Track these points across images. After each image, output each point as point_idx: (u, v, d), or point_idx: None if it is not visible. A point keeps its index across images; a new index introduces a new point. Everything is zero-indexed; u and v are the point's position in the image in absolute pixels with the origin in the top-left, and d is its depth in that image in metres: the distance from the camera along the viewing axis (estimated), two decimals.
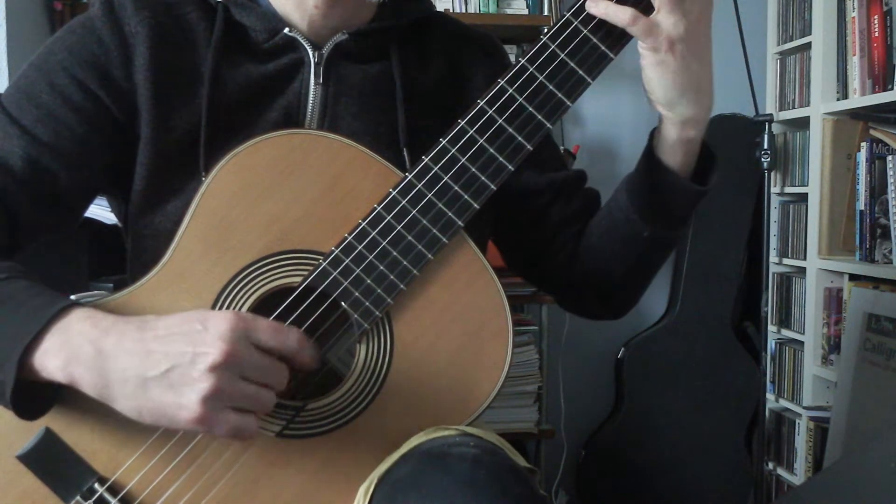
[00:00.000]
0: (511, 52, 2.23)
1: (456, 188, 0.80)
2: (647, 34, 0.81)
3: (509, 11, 2.26)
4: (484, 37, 1.04)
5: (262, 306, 0.79)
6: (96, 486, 0.76)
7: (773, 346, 2.39)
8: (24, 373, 0.71)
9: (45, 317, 0.72)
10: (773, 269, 2.39)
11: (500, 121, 0.81)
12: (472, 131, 0.81)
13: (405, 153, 0.90)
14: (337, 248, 0.79)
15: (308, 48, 0.90)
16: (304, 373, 0.76)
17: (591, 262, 0.98)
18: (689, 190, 0.89)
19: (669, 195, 0.89)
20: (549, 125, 0.82)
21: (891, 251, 2.01)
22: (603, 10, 0.81)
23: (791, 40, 2.37)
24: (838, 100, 2.17)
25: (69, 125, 0.84)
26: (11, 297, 0.74)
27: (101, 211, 1.39)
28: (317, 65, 0.91)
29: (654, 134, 0.91)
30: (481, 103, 0.81)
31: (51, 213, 0.86)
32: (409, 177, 0.80)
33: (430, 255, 0.80)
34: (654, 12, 0.81)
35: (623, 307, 1.02)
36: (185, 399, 0.68)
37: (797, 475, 2.27)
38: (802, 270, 2.28)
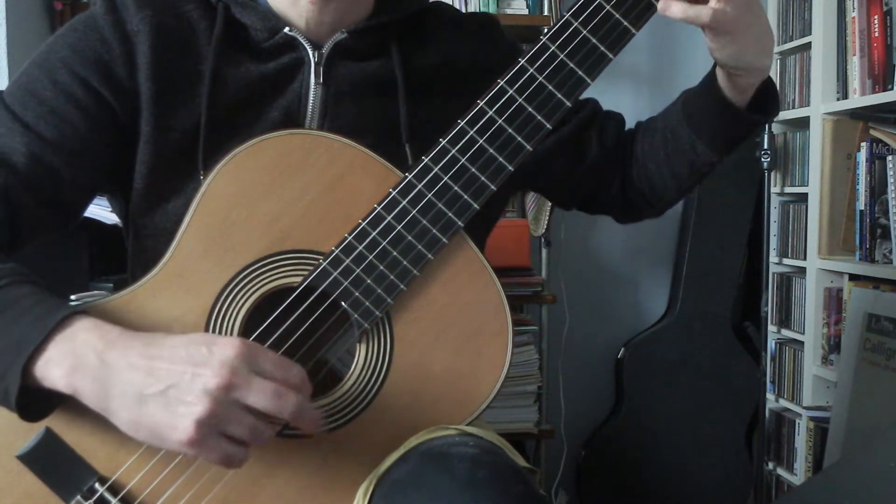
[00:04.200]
0: None
1: (456, 188, 0.80)
2: (721, 25, 0.83)
3: (509, 11, 2.26)
4: (480, 15, 1.05)
5: (263, 306, 0.80)
6: (97, 485, 0.76)
7: (773, 346, 2.39)
8: (28, 379, 0.71)
9: (50, 325, 0.71)
10: (773, 269, 2.39)
11: (500, 121, 0.81)
12: (472, 132, 0.81)
13: (407, 148, 0.90)
14: (337, 248, 0.79)
15: (308, 48, 0.90)
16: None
17: (651, 185, 1.04)
18: (759, 122, 0.95)
19: (739, 128, 0.95)
20: (548, 126, 0.82)
21: (891, 251, 2.01)
22: (681, 12, 0.82)
23: (791, 40, 2.37)
24: (838, 100, 2.17)
25: (72, 122, 0.84)
26: (15, 302, 0.74)
27: (101, 211, 1.40)
28: (317, 64, 0.91)
29: (715, 77, 0.93)
30: (481, 104, 0.81)
31: (52, 210, 0.86)
32: (409, 177, 0.80)
33: (430, 255, 0.80)
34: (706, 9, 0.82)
35: (669, 207, 1.11)
36: (178, 420, 0.67)
37: (797, 475, 2.27)
38: (802, 270, 2.28)
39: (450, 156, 0.81)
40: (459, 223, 0.80)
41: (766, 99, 0.94)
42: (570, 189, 1.09)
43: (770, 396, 2.36)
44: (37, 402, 0.73)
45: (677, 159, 1.00)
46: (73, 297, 1.19)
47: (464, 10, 2.20)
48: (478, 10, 2.23)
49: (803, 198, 2.28)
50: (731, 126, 0.95)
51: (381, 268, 0.79)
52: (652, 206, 1.08)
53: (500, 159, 0.81)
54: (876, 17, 2.02)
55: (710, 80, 0.94)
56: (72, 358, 0.71)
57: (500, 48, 1.00)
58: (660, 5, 0.83)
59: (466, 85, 0.84)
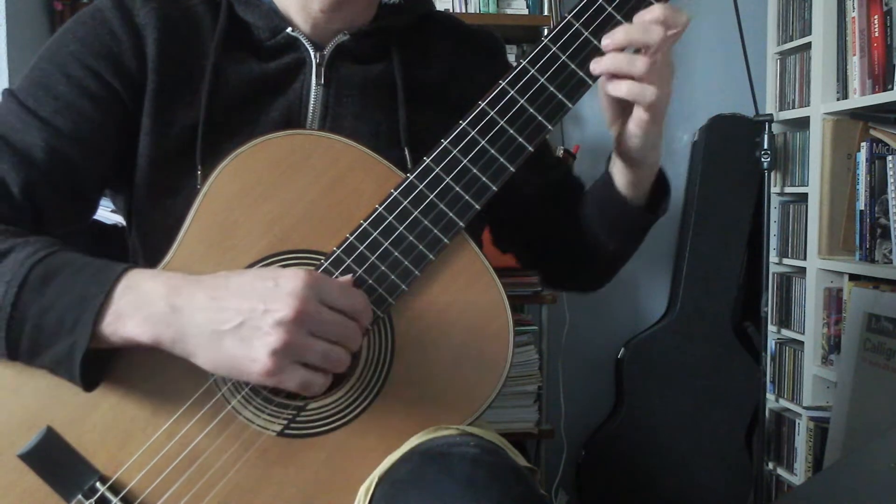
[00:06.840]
0: (511, 52, 2.23)
1: (457, 189, 0.81)
2: (652, 106, 0.82)
3: (509, 11, 2.26)
4: (485, 34, 1.05)
5: None
6: (98, 484, 0.76)
7: (773, 346, 2.39)
8: (93, 338, 0.72)
9: (112, 277, 0.74)
10: (773, 269, 2.39)
11: (502, 122, 0.81)
12: (473, 132, 0.81)
13: (406, 152, 0.91)
14: (339, 248, 0.80)
15: (310, 49, 0.91)
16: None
17: (570, 255, 1.04)
18: (648, 219, 0.95)
19: (631, 223, 0.96)
20: (550, 127, 0.82)
21: (891, 251, 2.02)
22: (626, 90, 0.81)
23: (791, 40, 2.38)
24: (838, 100, 2.17)
25: (87, 114, 0.85)
26: (68, 264, 0.75)
27: (101, 211, 1.39)
28: (318, 65, 0.91)
29: (610, 174, 0.94)
30: (483, 104, 0.82)
31: (72, 203, 0.87)
32: (411, 178, 0.81)
33: (431, 256, 0.80)
34: (651, 87, 0.81)
35: (605, 283, 1.08)
36: (255, 352, 0.71)
37: (797, 475, 2.27)
38: (802, 270, 2.28)
39: (451, 156, 0.81)
40: (461, 224, 0.81)
41: (657, 199, 0.95)
42: (518, 228, 1.07)
43: (770, 396, 2.37)
44: (93, 365, 0.74)
45: (586, 236, 1.00)
46: None
47: (464, 11, 2.22)
48: (478, 12, 2.23)
49: (803, 198, 2.28)
50: (629, 222, 0.95)
51: (383, 268, 0.80)
52: (575, 279, 1.09)
53: (502, 160, 0.81)
54: (876, 17, 2.02)
55: (608, 176, 0.95)
56: (142, 308, 0.73)
57: (500, 70, 0.99)
58: (609, 86, 0.82)
59: (465, 100, 0.84)
